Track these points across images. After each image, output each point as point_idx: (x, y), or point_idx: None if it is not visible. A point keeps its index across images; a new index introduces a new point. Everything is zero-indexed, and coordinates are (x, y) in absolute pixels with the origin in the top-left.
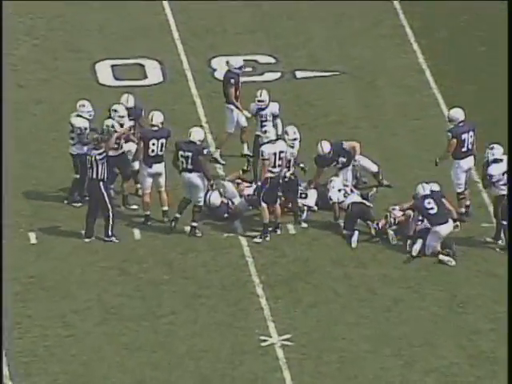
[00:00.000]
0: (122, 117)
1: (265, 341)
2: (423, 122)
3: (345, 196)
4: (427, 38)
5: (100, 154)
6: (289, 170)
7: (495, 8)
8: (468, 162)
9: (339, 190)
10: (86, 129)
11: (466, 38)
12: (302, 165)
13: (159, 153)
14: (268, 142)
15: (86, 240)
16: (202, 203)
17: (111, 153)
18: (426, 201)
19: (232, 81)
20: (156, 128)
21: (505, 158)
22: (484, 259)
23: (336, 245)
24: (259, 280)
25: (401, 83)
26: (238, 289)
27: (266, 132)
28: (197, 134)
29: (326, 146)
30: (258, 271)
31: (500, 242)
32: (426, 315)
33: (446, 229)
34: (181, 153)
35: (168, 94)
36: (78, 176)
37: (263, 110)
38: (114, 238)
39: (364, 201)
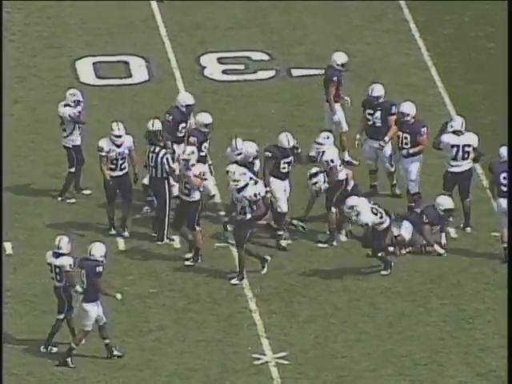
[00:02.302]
0: (119, 136)
1: (258, 359)
2: (428, 123)
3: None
4: (433, 33)
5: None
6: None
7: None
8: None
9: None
10: (79, 112)
11: (474, 34)
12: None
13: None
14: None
15: (159, 243)
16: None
17: (113, 173)
18: (503, 175)
19: (334, 79)
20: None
21: (468, 134)
22: (494, 270)
23: (335, 255)
24: (252, 293)
25: (404, 82)
26: (229, 303)
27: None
28: (280, 138)
29: (377, 88)
30: (250, 284)
31: (468, 229)
32: (432, 331)
33: (505, 202)
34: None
35: (154, 93)
36: (73, 170)
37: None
38: (167, 241)
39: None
